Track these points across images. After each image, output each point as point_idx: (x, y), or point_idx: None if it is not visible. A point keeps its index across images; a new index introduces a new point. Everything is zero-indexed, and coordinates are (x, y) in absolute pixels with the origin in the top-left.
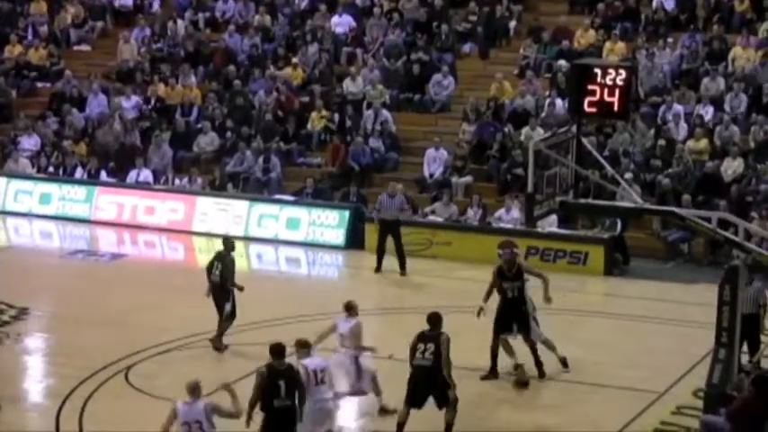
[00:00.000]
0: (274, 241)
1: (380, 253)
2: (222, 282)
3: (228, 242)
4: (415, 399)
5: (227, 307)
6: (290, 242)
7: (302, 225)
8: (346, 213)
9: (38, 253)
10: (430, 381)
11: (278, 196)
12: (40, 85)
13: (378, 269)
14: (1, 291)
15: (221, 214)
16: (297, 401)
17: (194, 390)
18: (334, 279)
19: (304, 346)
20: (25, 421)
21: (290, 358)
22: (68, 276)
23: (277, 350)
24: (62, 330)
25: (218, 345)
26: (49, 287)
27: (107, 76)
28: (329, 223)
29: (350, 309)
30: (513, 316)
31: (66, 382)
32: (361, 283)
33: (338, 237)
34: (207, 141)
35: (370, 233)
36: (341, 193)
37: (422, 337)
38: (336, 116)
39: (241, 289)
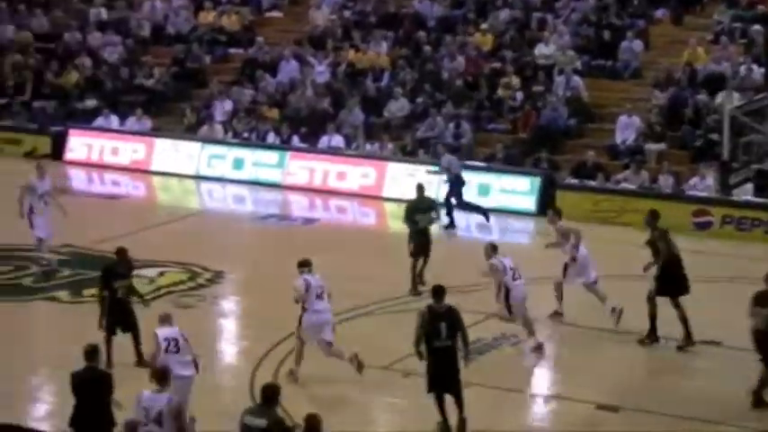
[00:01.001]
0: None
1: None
2: None
3: None
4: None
5: None
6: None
7: (492, 191)
8: (537, 180)
9: (231, 217)
10: None
11: (469, 162)
12: (232, 51)
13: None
14: (196, 254)
15: (411, 180)
16: (458, 341)
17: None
18: (525, 246)
19: (304, 265)
20: (221, 382)
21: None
22: (261, 241)
23: (438, 292)
24: (256, 294)
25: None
26: (242, 251)
27: (298, 42)
28: (520, 190)
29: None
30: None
31: (261, 344)
32: (551, 250)
33: (529, 203)
34: (397, 107)
35: (562, 200)
36: (531, 160)
37: None
38: (527, 82)
39: None
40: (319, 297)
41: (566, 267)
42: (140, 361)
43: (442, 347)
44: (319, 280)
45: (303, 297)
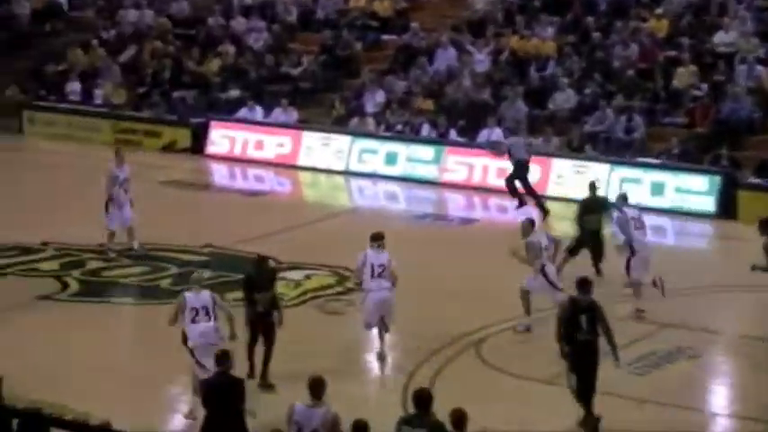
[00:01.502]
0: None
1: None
2: None
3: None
4: None
5: None
6: (654, 209)
7: (666, 190)
8: (717, 179)
9: (383, 216)
10: None
11: (641, 159)
12: (385, 37)
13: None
14: (345, 256)
15: (579, 177)
16: (600, 335)
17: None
18: (702, 250)
19: (375, 239)
20: (368, 394)
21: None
22: (416, 241)
23: (583, 284)
24: (409, 299)
25: None
26: (395, 253)
27: (456, 27)
28: (697, 189)
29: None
30: None
31: (414, 355)
32: (732, 255)
33: (708, 204)
34: (563, 99)
35: (745, 202)
36: (710, 156)
37: None
38: (705, 72)
39: None
40: (378, 276)
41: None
42: (264, 380)
43: (584, 341)
44: (383, 258)
45: (359, 272)
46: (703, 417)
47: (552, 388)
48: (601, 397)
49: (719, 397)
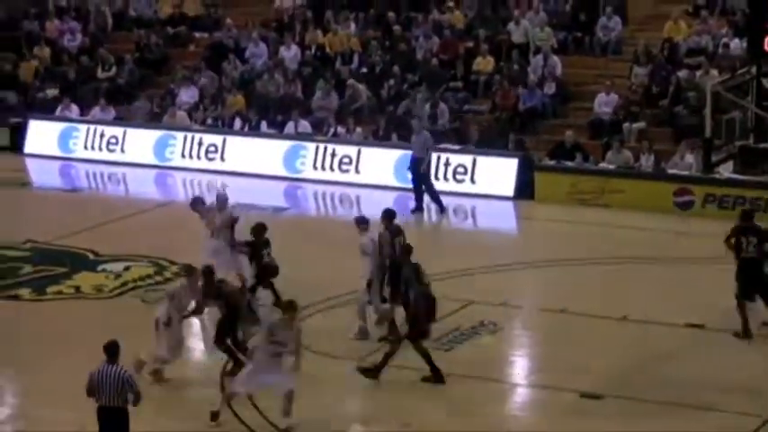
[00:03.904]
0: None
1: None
2: None
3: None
4: (746, 292)
5: None
6: (457, 193)
7: (468, 175)
8: (514, 162)
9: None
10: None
11: (444, 145)
12: (197, 35)
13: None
14: (162, 246)
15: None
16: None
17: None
18: (503, 230)
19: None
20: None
21: None
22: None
23: (747, 214)
24: None
25: None
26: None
27: (265, 24)
28: (497, 172)
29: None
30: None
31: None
32: (530, 234)
33: (507, 186)
34: (366, 92)
35: (540, 182)
36: (513, 141)
37: (743, 231)
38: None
39: None
40: None
41: None
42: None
43: (748, 258)
44: None
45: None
46: (504, 387)
47: None
48: (408, 372)
49: (519, 368)
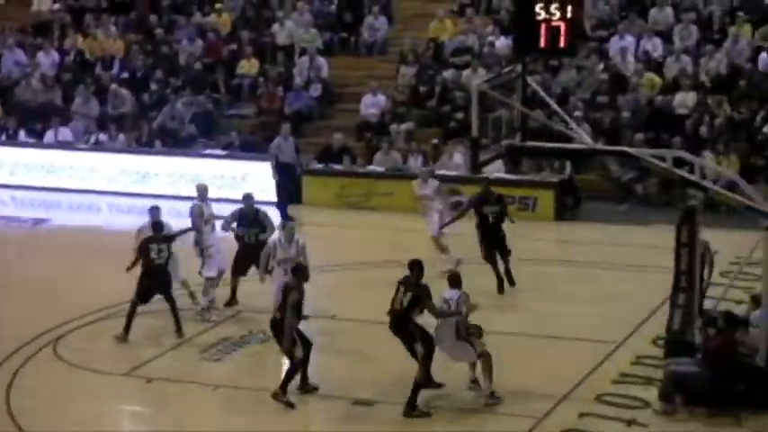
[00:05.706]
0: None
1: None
2: None
3: None
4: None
5: None
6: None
7: (229, 180)
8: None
9: None
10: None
11: (208, 151)
12: None
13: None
14: None
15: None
16: None
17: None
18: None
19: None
20: None
21: None
22: None
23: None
24: None
25: None
26: None
27: (22, 29)
28: (261, 176)
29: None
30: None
31: None
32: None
33: (270, 190)
34: (128, 97)
35: (307, 185)
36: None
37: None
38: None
39: None
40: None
41: None
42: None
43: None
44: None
45: None
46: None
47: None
48: (182, 385)
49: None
